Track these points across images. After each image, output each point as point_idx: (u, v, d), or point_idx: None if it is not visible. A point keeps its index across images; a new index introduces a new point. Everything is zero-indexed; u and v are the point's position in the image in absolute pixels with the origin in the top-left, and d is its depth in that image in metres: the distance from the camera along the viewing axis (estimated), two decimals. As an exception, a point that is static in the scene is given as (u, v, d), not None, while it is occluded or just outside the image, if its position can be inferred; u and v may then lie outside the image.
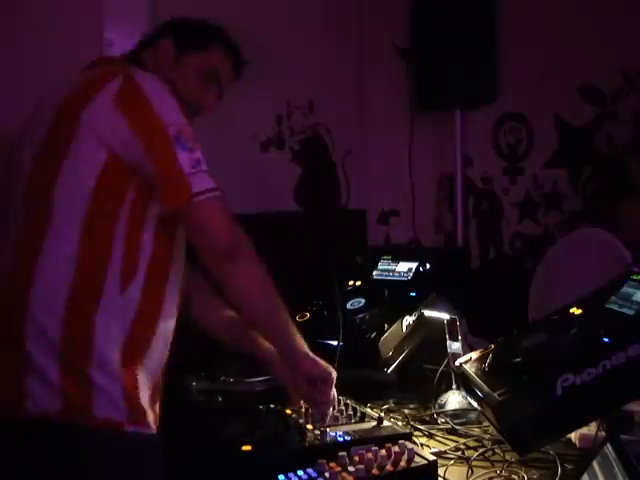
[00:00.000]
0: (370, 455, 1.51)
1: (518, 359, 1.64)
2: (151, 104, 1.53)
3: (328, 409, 1.73)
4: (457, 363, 1.87)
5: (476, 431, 1.89)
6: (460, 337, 2.06)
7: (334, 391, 1.74)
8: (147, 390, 1.58)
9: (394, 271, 2.53)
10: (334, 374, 1.72)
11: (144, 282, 1.56)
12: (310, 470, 1.49)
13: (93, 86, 1.58)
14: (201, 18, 1.86)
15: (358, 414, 1.79)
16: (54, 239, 1.53)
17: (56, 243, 1.52)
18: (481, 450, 1.76)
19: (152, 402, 1.61)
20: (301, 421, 1.74)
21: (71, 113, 1.56)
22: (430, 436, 1.90)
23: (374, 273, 2.57)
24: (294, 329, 1.69)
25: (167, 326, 1.65)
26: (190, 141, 1.54)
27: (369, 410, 1.86)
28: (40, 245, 1.53)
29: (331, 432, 1.65)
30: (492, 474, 1.63)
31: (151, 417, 1.59)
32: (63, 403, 1.47)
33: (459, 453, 1.76)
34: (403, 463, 1.51)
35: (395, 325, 2.20)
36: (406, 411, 2.06)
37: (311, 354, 1.70)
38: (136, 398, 1.54)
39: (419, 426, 1.94)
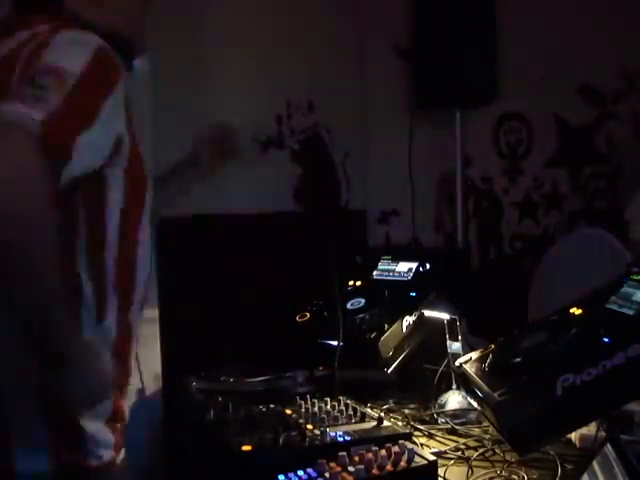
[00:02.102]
0: (370, 455, 1.51)
1: (518, 359, 1.64)
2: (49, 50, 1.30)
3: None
4: (457, 363, 1.87)
5: (476, 431, 1.89)
6: (460, 337, 2.06)
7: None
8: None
9: (394, 271, 2.53)
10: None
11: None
12: (310, 470, 1.49)
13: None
14: None
15: (358, 414, 1.79)
16: None
17: None
18: (481, 450, 1.76)
19: None
20: (301, 421, 1.74)
21: None
22: (430, 436, 1.90)
23: (374, 273, 2.57)
24: None
25: None
26: (55, 83, 1.25)
27: (369, 410, 1.86)
28: None
29: (331, 432, 1.65)
30: (492, 474, 1.63)
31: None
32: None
33: (459, 453, 1.76)
34: (403, 463, 1.51)
35: (395, 325, 2.20)
36: (406, 411, 2.07)
37: None
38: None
39: (419, 426, 1.94)
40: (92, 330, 1.41)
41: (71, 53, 1.33)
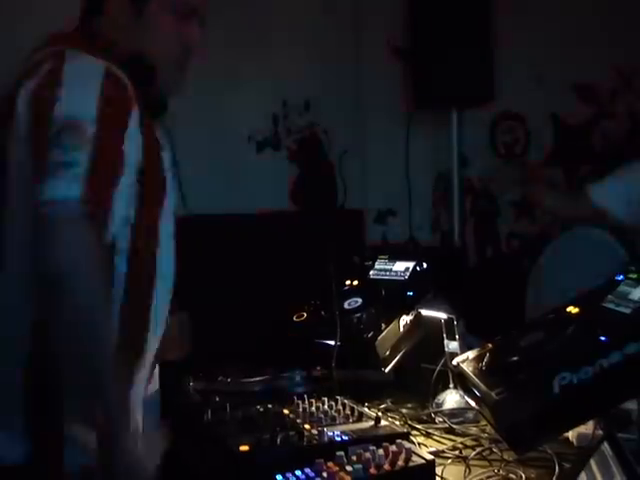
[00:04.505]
0: (368, 455, 1.51)
1: (515, 358, 1.64)
2: (57, 92, 1.32)
3: None
4: (454, 362, 1.87)
5: (474, 430, 1.89)
6: (457, 336, 2.06)
7: None
8: None
9: (391, 270, 2.53)
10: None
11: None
12: (308, 470, 1.48)
13: (25, 73, 1.40)
14: None
15: (355, 414, 1.79)
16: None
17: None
18: (479, 449, 1.76)
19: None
20: (298, 421, 1.74)
21: (8, 104, 1.38)
22: (428, 435, 1.90)
23: (371, 273, 2.57)
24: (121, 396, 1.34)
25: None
26: (78, 140, 1.28)
27: (366, 410, 1.86)
28: None
29: (329, 432, 1.65)
30: (490, 473, 1.63)
31: None
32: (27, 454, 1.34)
33: (457, 452, 1.76)
34: (401, 462, 1.51)
35: (392, 324, 2.20)
36: (404, 410, 2.06)
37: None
38: None
39: (417, 425, 1.94)
40: None
41: (81, 93, 1.34)
